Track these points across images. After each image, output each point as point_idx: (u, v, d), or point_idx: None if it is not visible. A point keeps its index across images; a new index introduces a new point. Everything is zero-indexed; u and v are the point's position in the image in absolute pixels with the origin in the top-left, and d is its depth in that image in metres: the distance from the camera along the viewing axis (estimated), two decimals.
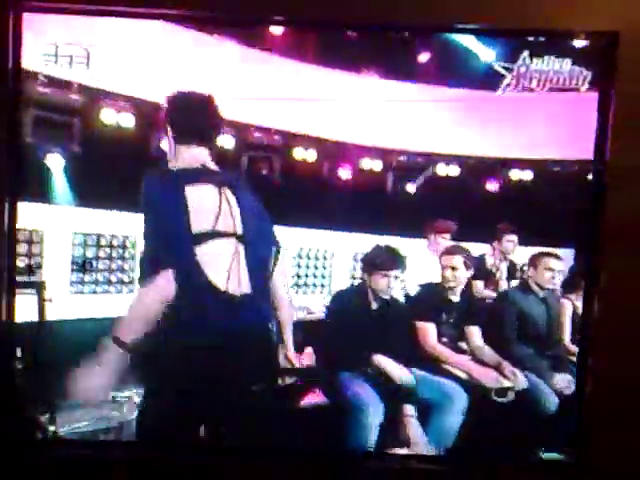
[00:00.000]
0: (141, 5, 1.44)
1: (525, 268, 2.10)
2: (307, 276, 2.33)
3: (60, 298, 1.91)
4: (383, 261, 1.87)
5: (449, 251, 2.04)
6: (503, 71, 1.60)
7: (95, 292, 2.02)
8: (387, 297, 1.89)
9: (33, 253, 1.87)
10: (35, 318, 1.72)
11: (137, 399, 1.76)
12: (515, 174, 2.20)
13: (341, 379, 1.82)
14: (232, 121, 2.05)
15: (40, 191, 1.81)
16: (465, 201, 2.17)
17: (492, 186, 2.22)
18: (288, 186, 2.15)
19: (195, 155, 1.39)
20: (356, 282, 2.07)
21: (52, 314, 1.81)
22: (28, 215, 1.81)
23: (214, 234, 1.31)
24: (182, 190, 1.30)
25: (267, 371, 1.47)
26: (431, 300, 2.01)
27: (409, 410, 1.75)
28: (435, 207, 2.13)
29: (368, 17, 1.44)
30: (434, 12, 1.39)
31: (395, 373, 1.79)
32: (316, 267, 2.35)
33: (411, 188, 2.24)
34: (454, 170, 2.21)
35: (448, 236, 2.17)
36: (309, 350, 1.80)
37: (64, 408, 1.71)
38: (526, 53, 1.55)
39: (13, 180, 1.55)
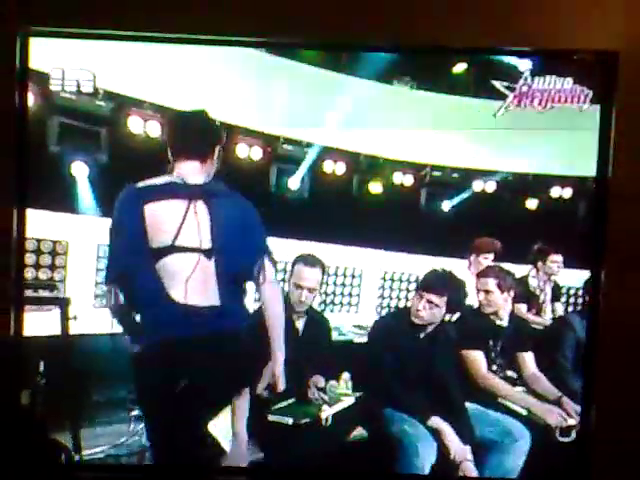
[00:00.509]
0: (147, 29, 1.41)
1: (567, 290, 1.92)
2: (335, 294, 2.18)
3: (84, 312, 1.80)
4: (423, 281, 1.67)
5: (482, 273, 1.86)
6: (505, 90, 1.56)
7: None
8: (417, 322, 1.66)
9: (56, 265, 1.77)
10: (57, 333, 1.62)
11: None
12: (556, 191, 2.03)
13: (386, 413, 1.61)
14: (260, 132, 1.95)
15: (65, 201, 1.71)
16: (504, 219, 2.00)
17: (532, 203, 2.05)
18: (316, 200, 2.02)
19: (181, 170, 1.40)
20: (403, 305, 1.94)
21: (75, 329, 1.71)
22: (52, 225, 1.72)
23: (173, 248, 1.32)
24: (140, 207, 1.33)
25: (238, 380, 1.42)
26: (476, 326, 1.81)
27: (465, 453, 1.54)
28: (472, 225, 1.97)
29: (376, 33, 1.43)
30: (435, 33, 1.39)
31: (452, 446, 1.54)
32: (344, 285, 2.20)
33: (446, 205, 2.08)
34: (491, 186, 2.04)
35: (491, 256, 1.98)
36: (346, 376, 1.68)
37: (85, 430, 1.60)
38: (528, 72, 1.53)
39: (21, 190, 1.48)
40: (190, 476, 1.49)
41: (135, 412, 1.66)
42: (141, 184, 1.39)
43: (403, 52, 1.61)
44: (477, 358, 1.76)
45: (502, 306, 1.81)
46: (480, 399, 1.71)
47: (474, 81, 1.78)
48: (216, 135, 1.48)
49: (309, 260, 1.73)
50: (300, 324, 1.75)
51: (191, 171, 1.41)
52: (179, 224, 1.33)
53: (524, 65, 1.52)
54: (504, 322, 1.84)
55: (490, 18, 1.39)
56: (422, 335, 1.72)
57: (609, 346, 1.45)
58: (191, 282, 1.32)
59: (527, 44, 1.42)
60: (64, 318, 1.56)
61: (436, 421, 1.58)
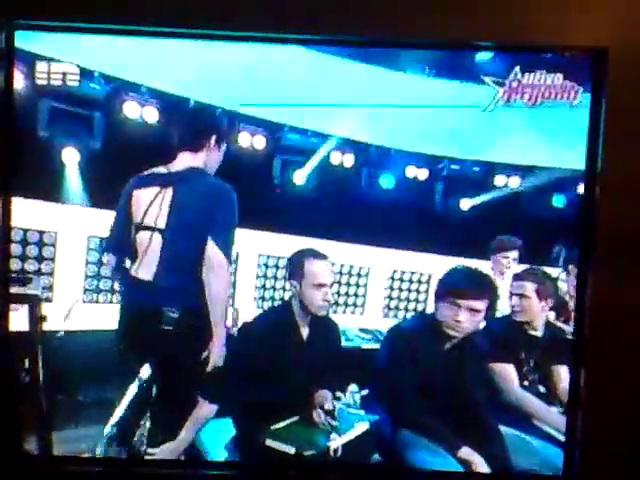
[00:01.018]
0: (135, 23, 1.36)
1: None
2: (339, 294, 1.99)
3: (72, 307, 1.67)
4: (456, 286, 1.41)
5: (520, 276, 1.60)
6: (495, 86, 1.52)
7: (111, 302, 1.74)
8: (455, 334, 1.42)
9: (44, 257, 1.64)
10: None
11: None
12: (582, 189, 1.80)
13: (402, 436, 1.38)
14: (264, 120, 1.78)
15: (54, 189, 1.57)
16: (529, 218, 1.77)
17: (559, 201, 1.80)
18: (321, 193, 1.84)
19: (175, 161, 1.49)
20: (426, 312, 1.68)
21: (62, 324, 1.58)
22: (40, 215, 1.60)
23: (140, 227, 1.48)
24: (130, 192, 1.49)
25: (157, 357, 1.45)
26: (507, 336, 1.56)
27: None
28: (492, 223, 1.74)
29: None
30: (429, 26, 1.36)
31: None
32: (349, 284, 2.01)
33: (465, 202, 1.85)
34: (514, 182, 1.82)
35: (511, 254, 1.76)
36: (353, 387, 1.50)
37: (64, 430, 1.48)
38: (517, 68, 1.49)
39: (7, 177, 1.38)
40: (172, 469, 1.42)
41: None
42: (140, 174, 1.50)
43: (397, 46, 1.54)
44: (508, 372, 1.51)
45: (538, 315, 1.56)
46: (514, 421, 1.46)
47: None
48: (208, 125, 1.52)
49: (319, 254, 1.56)
50: (305, 330, 1.56)
51: (184, 162, 1.48)
52: (147, 206, 1.46)
53: (514, 60, 1.48)
54: (538, 332, 1.58)
55: (484, 13, 1.35)
56: (448, 346, 1.46)
57: (600, 343, 1.36)
58: (145, 258, 1.46)
59: (518, 39, 1.38)
60: (33, 317, 1.42)
61: (467, 452, 1.34)
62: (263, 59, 1.53)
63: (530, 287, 1.57)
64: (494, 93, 1.50)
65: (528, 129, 1.56)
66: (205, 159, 1.47)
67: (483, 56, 1.55)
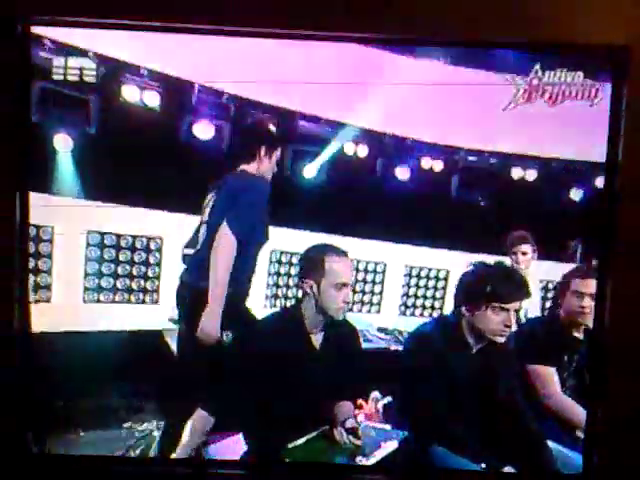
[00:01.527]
0: (150, 18, 1.31)
1: None
2: (354, 292, 1.89)
3: (71, 307, 1.54)
4: (497, 288, 1.28)
5: (589, 274, 1.45)
6: (515, 85, 1.49)
7: (114, 301, 1.62)
8: (501, 340, 1.30)
9: (41, 253, 1.49)
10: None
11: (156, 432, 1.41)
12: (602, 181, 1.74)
13: (434, 451, 1.26)
14: (275, 106, 1.65)
15: (50, 181, 1.42)
16: (546, 212, 1.70)
17: (577, 195, 1.74)
18: (334, 186, 1.72)
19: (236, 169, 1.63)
20: (447, 315, 1.48)
21: (61, 325, 1.45)
22: (35, 208, 1.44)
23: (202, 223, 1.62)
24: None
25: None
26: (548, 337, 1.44)
27: None
28: (510, 217, 1.67)
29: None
30: (450, 23, 1.34)
31: None
32: (365, 281, 1.90)
33: (483, 196, 1.76)
34: (532, 175, 1.75)
35: (523, 248, 1.70)
36: (376, 394, 1.37)
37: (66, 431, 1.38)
38: (538, 66, 1.47)
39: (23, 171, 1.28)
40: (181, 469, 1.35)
41: (128, 424, 1.41)
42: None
43: (416, 43, 1.49)
44: (548, 374, 1.39)
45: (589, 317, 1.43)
46: (552, 429, 1.34)
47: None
48: (258, 137, 1.60)
49: (340, 251, 1.40)
50: (318, 337, 1.41)
51: (237, 168, 1.57)
52: (206, 204, 1.60)
53: (535, 59, 1.46)
54: (580, 335, 1.47)
55: (503, 11, 1.31)
56: (474, 350, 1.34)
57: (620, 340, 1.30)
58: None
59: (538, 37, 1.35)
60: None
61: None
62: (274, 45, 1.41)
63: (592, 284, 1.42)
64: (514, 91, 1.45)
65: (548, 124, 1.48)
66: (257, 167, 1.57)
67: (503, 54, 1.49)
